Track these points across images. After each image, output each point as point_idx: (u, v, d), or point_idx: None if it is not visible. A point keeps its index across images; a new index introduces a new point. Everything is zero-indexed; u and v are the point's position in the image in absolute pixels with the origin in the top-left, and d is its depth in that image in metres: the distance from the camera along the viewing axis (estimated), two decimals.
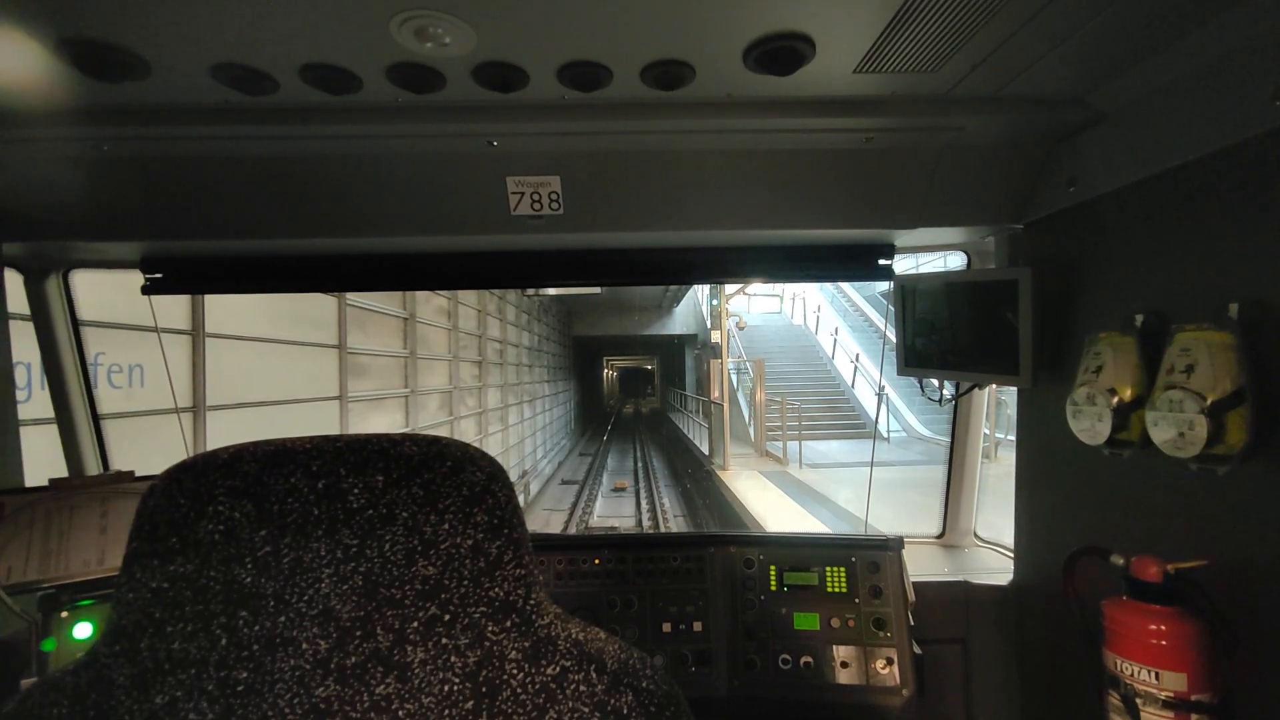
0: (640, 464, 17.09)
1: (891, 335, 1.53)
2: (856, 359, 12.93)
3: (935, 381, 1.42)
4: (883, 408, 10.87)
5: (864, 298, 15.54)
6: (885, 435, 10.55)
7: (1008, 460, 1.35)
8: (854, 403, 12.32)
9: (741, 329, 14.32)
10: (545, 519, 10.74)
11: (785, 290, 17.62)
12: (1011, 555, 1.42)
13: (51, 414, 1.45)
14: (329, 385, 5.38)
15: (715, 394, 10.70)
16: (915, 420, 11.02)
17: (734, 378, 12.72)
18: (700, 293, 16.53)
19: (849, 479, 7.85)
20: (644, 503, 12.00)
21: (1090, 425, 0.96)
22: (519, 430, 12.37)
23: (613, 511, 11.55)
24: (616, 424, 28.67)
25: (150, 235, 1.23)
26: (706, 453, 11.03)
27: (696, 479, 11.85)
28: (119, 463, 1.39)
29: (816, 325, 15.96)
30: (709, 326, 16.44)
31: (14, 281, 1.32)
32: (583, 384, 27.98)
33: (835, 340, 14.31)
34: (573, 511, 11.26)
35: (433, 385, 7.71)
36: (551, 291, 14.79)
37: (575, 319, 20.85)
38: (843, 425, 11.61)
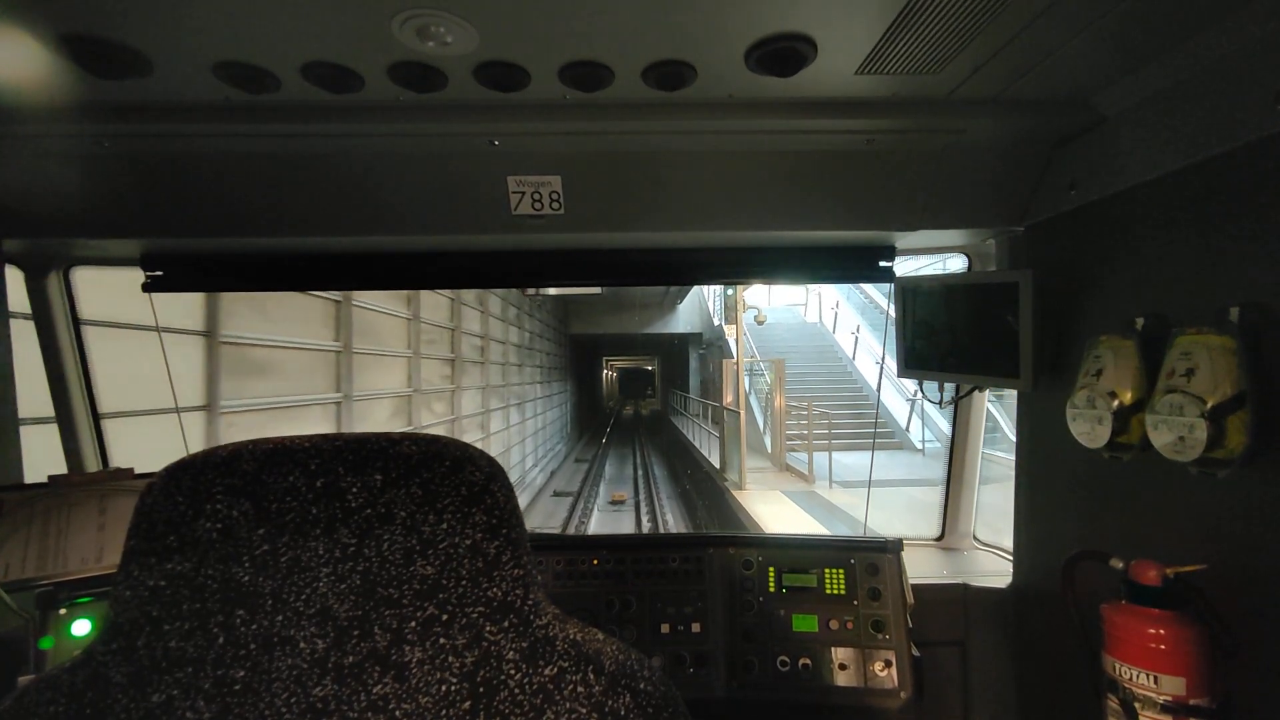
0: (640, 471, 15.98)
1: None
2: (882, 360, 11.54)
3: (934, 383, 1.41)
4: (914, 416, 9.74)
5: (883, 294, 14.38)
6: (919, 446, 9.51)
7: None
8: (880, 409, 10.89)
9: (761, 324, 13.20)
10: None
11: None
12: (1010, 558, 1.42)
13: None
14: (189, 389, 3.72)
15: (729, 399, 9.68)
16: (949, 429, 9.88)
17: (745, 380, 11.24)
18: (706, 289, 15.69)
19: (891, 502, 6.36)
20: (645, 520, 10.86)
21: (1090, 428, 0.96)
22: (504, 438, 10.99)
23: (610, 530, 10.48)
24: (615, 426, 28.36)
25: (151, 232, 1.23)
26: (717, 465, 9.81)
27: (703, 490, 10.76)
28: None
29: (834, 323, 14.32)
30: (715, 324, 15.32)
31: (14, 279, 1.32)
32: (580, 385, 27.33)
33: (856, 339, 12.82)
34: (564, 529, 10.18)
35: (382, 387, 6.23)
36: (552, 291, 14.65)
37: (573, 317, 20.19)
38: (869, 434, 10.22)
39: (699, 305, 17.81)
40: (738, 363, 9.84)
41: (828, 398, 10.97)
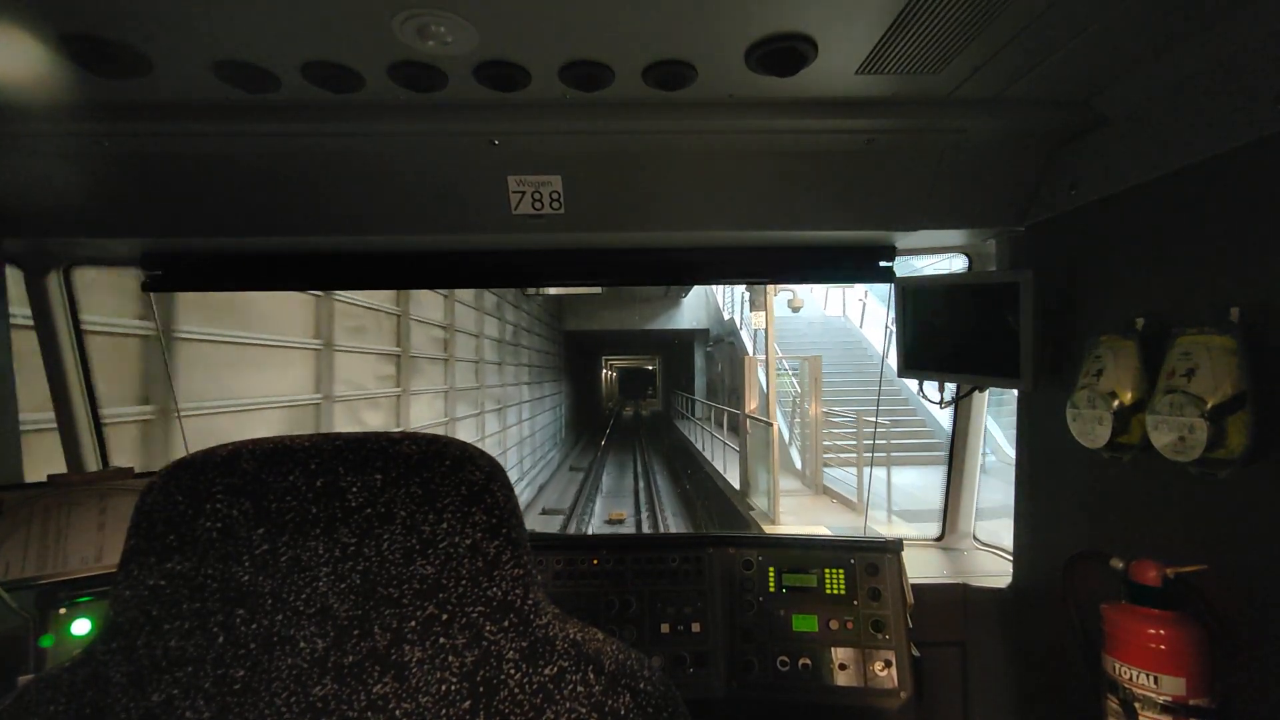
0: (642, 483, 14.30)
1: None
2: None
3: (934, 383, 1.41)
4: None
5: None
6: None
7: None
8: (923, 415, 9.28)
9: (796, 310, 11.67)
10: None
11: None
12: (1010, 558, 1.42)
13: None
14: None
15: (752, 405, 7.94)
16: (1003, 440, 7.64)
17: (763, 381, 9.29)
18: None
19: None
20: None
21: (1090, 428, 0.96)
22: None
23: None
24: (615, 428, 27.65)
25: (151, 232, 1.23)
26: (736, 487, 8.27)
27: (717, 514, 9.33)
28: None
29: (862, 316, 12.57)
30: (725, 318, 14.16)
31: (14, 279, 1.32)
32: (577, 386, 26.07)
33: (890, 335, 10.97)
34: None
35: (262, 394, 4.23)
36: (552, 291, 14.46)
37: (568, 312, 18.70)
38: (914, 447, 8.61)
39: (705, 299, 16.72)
40: (768, 359, 7.77)
41: (861, 404, 9.33)
